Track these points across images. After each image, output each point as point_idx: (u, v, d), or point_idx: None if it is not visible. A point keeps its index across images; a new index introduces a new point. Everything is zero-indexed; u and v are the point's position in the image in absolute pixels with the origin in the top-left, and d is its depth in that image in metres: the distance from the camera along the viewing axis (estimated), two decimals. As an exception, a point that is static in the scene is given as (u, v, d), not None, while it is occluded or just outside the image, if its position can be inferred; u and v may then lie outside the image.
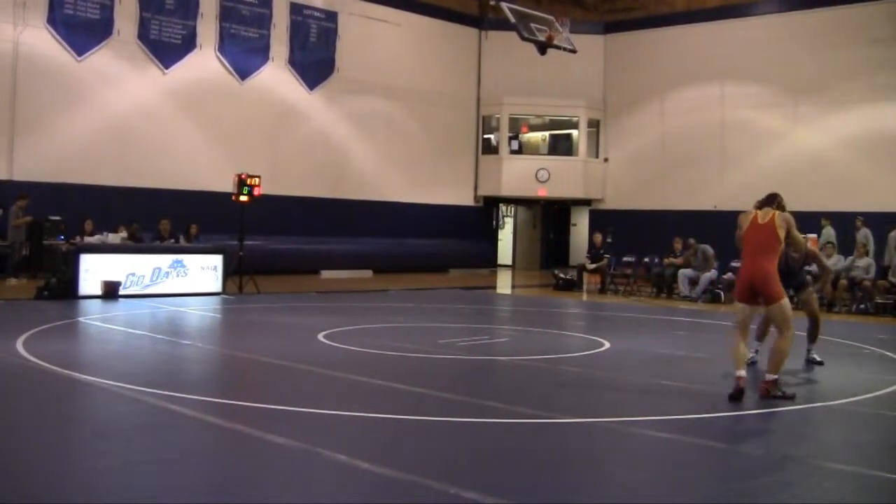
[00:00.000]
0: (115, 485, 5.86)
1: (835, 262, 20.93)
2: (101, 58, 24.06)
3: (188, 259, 19.59)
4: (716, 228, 25.19)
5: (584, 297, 23.77)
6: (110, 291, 17.91)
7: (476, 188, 33.74)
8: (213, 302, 18.57)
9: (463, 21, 33.09)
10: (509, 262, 35.57)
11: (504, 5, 19.07)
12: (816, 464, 6.78)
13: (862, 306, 20.24)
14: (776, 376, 9.17)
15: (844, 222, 24.06)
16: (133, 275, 18.62)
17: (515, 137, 33.96)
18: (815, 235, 22.83)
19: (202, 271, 19.72)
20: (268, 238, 24.67)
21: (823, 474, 6.60)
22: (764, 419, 8.42)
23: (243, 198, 20.56)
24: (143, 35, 24.81)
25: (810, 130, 28.37)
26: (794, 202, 26.35)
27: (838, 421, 8.68)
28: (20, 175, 22.51)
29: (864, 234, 22.92)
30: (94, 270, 18.02)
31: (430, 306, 19.11)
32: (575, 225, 36.00)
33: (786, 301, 9.43)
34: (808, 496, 6.12)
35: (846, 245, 21.52)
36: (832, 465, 6.76)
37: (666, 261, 23.70)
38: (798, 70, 28.37)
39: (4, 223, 21.00)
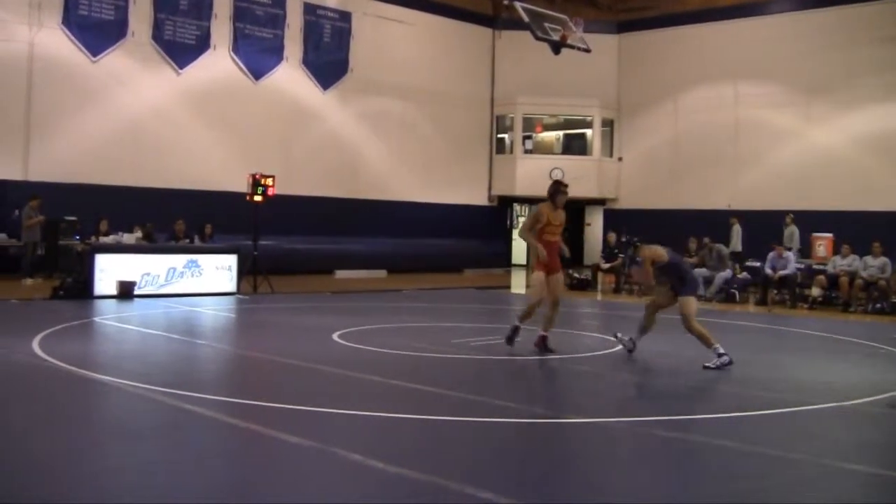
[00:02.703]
0: (130, 484, 5.88)
1: (850, 262, 20.87)
2: (115, 59, 24.14)
3: (203, 259, 19.64)
4: (730, 228, 25.20)
5: (599, 296, 23.74)
6: (125, 291, 17.97)
7: (490, 188, 33.72)
8: (228, 302, 18.61)
9: (477, 21, 33.08)
10: (523, 261, 35.48)
11: (518, 5, 19.06)
12: (829, 463, 6.76)
13: (878, 305, 20.14)
14: (519, 325, 12.21)
15: (861, 222, 24.04)
16: (148, 275, 18.67)
17: (529, 137, 33.94)
18: (830, 235, 22.83)
19: (217, 271, 19.77)
20: (282, 238, 24.71)
21: (836, 474, 6.58)
22: (777, 419, 8.40)
23: (257, 198, 20.61)
24: (158, 36, 24.88)
25: (823, 129, 28.28)
26: (808, 201, 26.68)
27: (852, 421, 8.64)
28: (35, 176, 22.60)
29: (791, 232, 23.18)
30: (109, 270, 18.08)
31: (444, 306, 19.12)
32: (589, 224, 35.92)
33: (534, 275, 12.32)
34: (820, 496, 6.10)
35: (863, 245, 21.41)
36: (845, 465, 6.74)
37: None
38: (811, 69, 28.28)
39: (19, 224, 21.06)
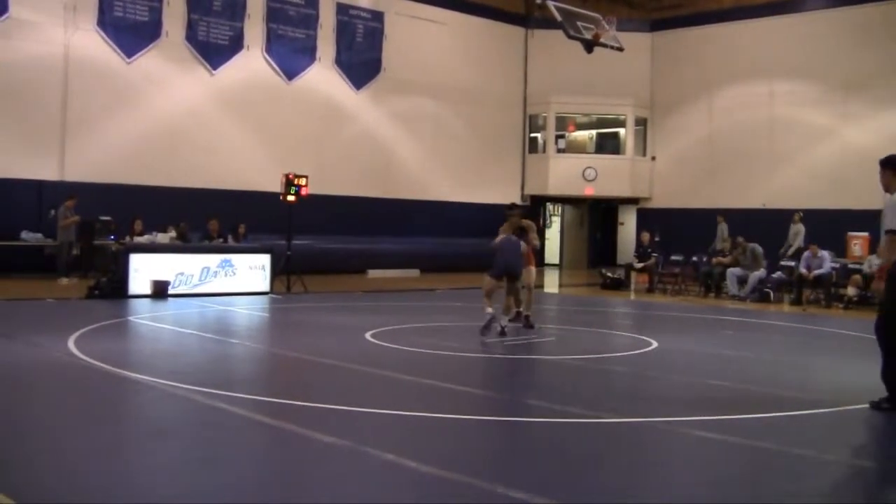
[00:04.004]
0: (164, 482, 5.91)
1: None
2: (149, 60, 24.30)
3: (236, 258, 19.72)
4: (764, 227, 25.05)
5: (632, 296, 23.65)
6: (159, 291, 18.08)
7: (523, 187, 33.67)
8: (261, 301, 18.68)
9: (509, 20, 33.04)
10: (556, 261, 35.46)
11: (551, 4, 19.04)
12: (865, 465, 6.71)
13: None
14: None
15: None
16: (182, 274, 18.77)
17: (562, 136, 33.87)
18: (866, 234, 22.67)
19: (250, 271, 19.84)
20: (315, 237, 24.76)
21: (872, 476, 6.53)
22: (812, 420, 8.34)
23: (291, 197, 20.67)
24: (191, 36, 25.02)
25: (860, 127, 28.01)
26: (845, 200, 26.45)
27: (888, 422, 8.55)
28: (71, 176, 22.80)
29: (797, 231, 23.10)
30: (143, 270, 18.19)
31: (477, 305, 19.02)
32: (622, 224, 35.82)
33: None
34: (855, 498, 6.05)
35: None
36: (880, 467, 6.68)
37: (714, 260, 23.51)
38: (847, 66, 28.04)
39: (55, 224, 21.23)
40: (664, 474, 6.52)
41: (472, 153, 31.81)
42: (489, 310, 13.40)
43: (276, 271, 20.35)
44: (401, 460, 6.33)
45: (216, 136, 25.60)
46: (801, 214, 24.10)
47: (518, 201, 33.06)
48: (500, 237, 14.31)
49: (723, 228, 25.71)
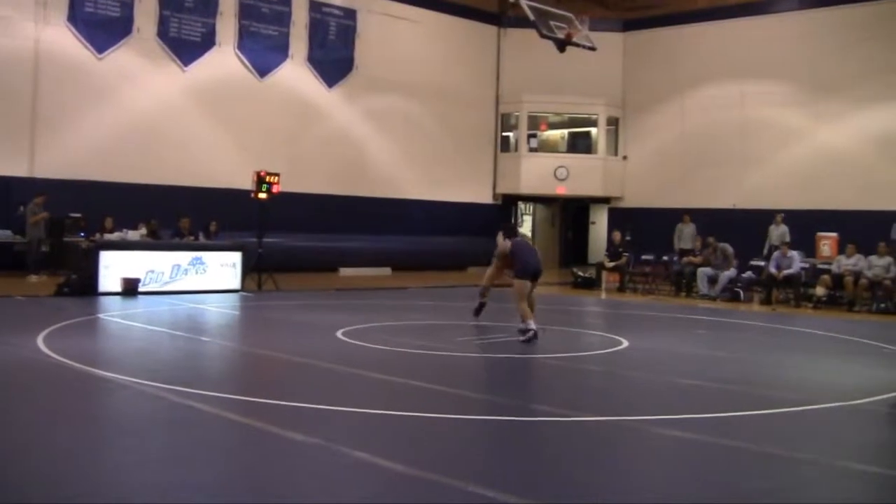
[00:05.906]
0: (134, 481, 5.88)
1: (855, 261, 20.81)
2: (121, 56, 24.13)
3: (207, 256, 19.64)
4: (735, 227, 25.18)
5: (603, 295, 23.73)
6: (130, 288, 17.98)
7: (495, 186, 33.67)
8: (233, 299, 18.62)
9: (482, 18, 33.03)
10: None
11: (524, 3, 19.10)
12: (838, 464, 6.75)
13: (882, 305, 20.11)
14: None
15: (866, 221, 24.00)
16: (153, 272, 18.67)
17: (534, 135, 33.89)
18: (835, 234, 22.83)
19: (221, 268, 19.77)
20: (287, 235, 24.67)
21: (845, 474, 6.57)
22: (785, 418, 8.39)
23: (262, 195, 20.64)
24: (163, 33, 24.87)
25: (831, 128, 28.16)
26: (815, 201, 26.63)
27: (860, 421, 8.63)
28: (41, 173, 22.61)
29: (783, 232, 23.25)
30: (113, 267, 18.08)
31: (448, 304, 19.12)
32: (594, 223, 35.91)
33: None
34: (829, 496, 6.09)
35: (869, 244, 21.36)
36: (854, 465, 6.73)
37: (685, 259, 23.62)
38: (819, 68, 28.20)
39: (24, 220, 21.07)
40: (636, 473, 6.55)
41: (444, 152, 31.79)
42: (532, 325, 12.88)
43: (248, 269, 20.29)
44: (372, 459, 6.32)
45: (188, 133, 25.46)
46: (783, 215, 24.11)
47: (491, 200, 33.33)
48: (507, 242, 14.10)
49: (692, 228, 25.69)
